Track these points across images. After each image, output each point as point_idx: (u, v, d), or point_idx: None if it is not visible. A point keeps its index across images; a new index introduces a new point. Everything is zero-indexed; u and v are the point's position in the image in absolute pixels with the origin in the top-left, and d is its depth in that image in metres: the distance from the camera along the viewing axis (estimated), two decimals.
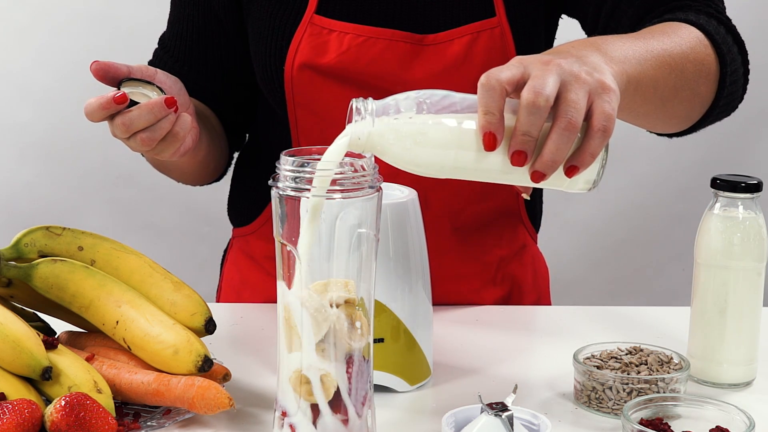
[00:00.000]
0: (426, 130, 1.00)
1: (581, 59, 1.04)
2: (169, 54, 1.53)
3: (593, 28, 1.45)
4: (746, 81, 1.39)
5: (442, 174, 1.03)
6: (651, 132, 1.37)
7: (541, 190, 1.62)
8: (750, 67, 1.41)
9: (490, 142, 0.98)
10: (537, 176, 1.00)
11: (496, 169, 1.01)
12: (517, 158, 0.99)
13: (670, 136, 1.40)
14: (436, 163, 1.01)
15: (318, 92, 1.41)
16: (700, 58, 1.28)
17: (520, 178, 1.02)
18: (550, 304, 1.65)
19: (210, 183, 1.60)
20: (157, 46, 1.55)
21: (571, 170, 1.01)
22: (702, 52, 1.28)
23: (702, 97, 1.32)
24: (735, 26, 1.36)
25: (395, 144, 1.00)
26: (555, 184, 1.04)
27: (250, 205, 1.57)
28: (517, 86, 1.00)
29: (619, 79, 1.08)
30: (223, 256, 1.66)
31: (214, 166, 1.55)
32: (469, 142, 1.00)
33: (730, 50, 1.33)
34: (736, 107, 1.40)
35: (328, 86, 1.41)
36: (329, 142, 1.31)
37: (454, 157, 1.01)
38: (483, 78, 0.99)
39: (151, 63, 1.53)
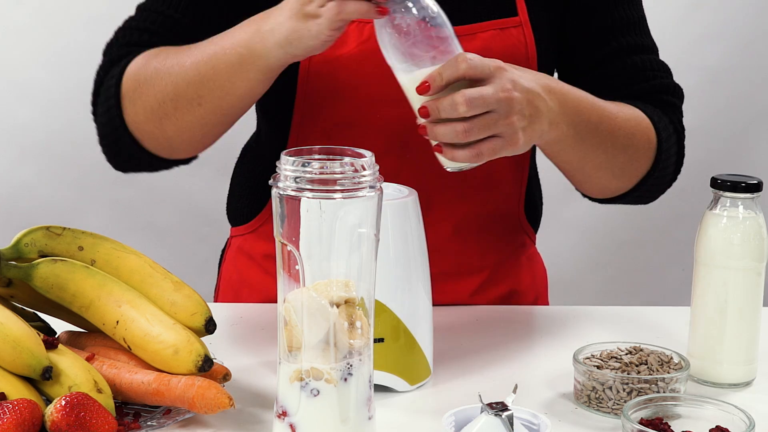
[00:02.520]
0: (404, 40, 1.17)
1: (536, 113, 1.21)
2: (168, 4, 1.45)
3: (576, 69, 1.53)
4: (671, 182, 1.53)
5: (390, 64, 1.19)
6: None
7: (540, 193, 1.62)
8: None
9: (422, 89, 1.16)
10: (422, 128, 1.19)
11: (409, 96, 1.20)
12: (423, 112, 1.17)
13: (591, 199, 1.52)
14: (392, 61, 1.19)
15: (335, 84, 1.40)
16: (635, 154, 1.42)
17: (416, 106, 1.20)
18: (547, 304, 1.65)
19: (201, 150, 1.49)
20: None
21: (436, 148, 1.20)
22: (640, 150, 1.42)
23: (621, 182, 1.46)
24: (684, 137, 1.51)
25: (380, 30, 1.18)
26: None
27: (249, 203, 1.57)
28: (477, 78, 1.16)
29: (546, 137, 1.27)
30: (221, 256, 1.66)
31: (222, 125, 1.46)
32: (416, 73, 1.18)
33: (666, 163, 1.47)
34: (654, 198, 1.53)
35: (346, 77, 1.39)
36: (330, 142, 1.33)
37: (403, 69, 1.19)
38: (468, 57, 1.16)
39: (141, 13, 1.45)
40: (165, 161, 1.45)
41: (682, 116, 1.52)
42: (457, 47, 1.18)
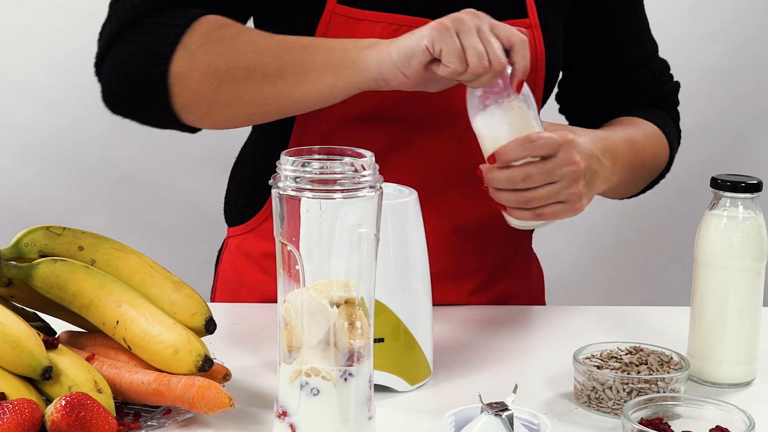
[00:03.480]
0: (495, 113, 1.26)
1: (594, 177, 1.32)
2: None
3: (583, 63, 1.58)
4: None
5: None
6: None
7: None
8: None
9: (490, 160, 1.26)
10: (485, 188, 1.28)
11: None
12: (488, 178, 1.27)
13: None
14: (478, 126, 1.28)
15: None
16: (656, 170, 1.57)
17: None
18: (544, 304, 1.66)
19: (228, 127, 1.44)
20: None
21: (499, 206, 1.29)
22: (660, 165, 1.57)
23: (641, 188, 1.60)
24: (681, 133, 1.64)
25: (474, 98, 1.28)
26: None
27: (248, 202, 1.57)
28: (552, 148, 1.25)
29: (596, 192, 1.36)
30: (218, 257, 1.65)
31: None
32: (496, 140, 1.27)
33: (672, 160, 1.60)
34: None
35: None
36: (334, 139, 1.31)
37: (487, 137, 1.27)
38: (536, 138, 1.24)
39: None
40: (173, 122, 1.38)
41: (679, 105, 1.64)
42: (536, 125, 1.27)
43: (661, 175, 1.60)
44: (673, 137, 1.58)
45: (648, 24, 1.59)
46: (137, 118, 1.41)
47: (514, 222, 1.32)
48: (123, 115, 1.41)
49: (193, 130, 1.40)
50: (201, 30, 1.32)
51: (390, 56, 1.22)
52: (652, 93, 1.58)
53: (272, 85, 1.29)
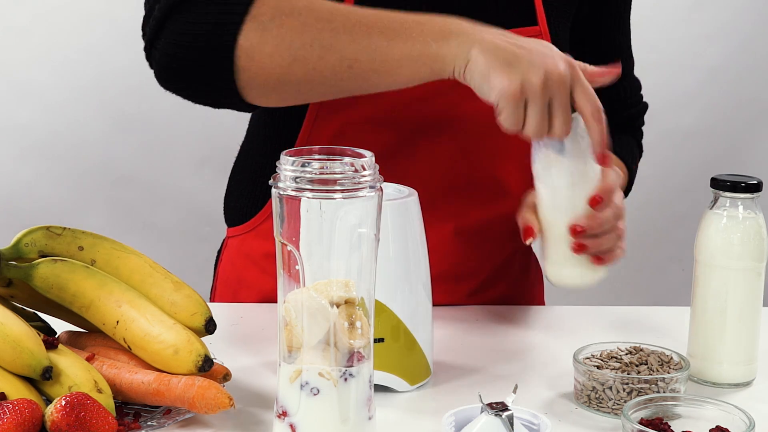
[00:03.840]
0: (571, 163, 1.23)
1: None
2: None
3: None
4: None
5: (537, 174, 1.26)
6: None
7: None
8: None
9: (595, 202, 1.24)
10: (579, 246, 1.24)
11: (561, 212, 1.26)
12: (594, 223, 1.25)
13: None
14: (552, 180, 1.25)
15: None
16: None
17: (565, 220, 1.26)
18: (544, 305, 1.66)
19: (296, 104, 1.38)
20: None
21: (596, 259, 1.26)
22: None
23: None
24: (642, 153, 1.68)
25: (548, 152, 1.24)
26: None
27: (247, 202, 1.57)
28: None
29: None
30: (217, 257, 1.65)
31: None
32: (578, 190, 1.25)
33: (630, 185, 1.66)
34: None
35: None
36: (342, 140, 1.29)
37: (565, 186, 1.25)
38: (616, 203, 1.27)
39: None
40: (233, 98, 1.30)
41: (644, 126, 1.68)
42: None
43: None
44: (632, 161, 1.61)
45: (630, 39, 1.60)
46: (193, 95, 1.34)
47: (588, 278, 1.28)
48: (177, 91, 1.33)
49: (250, 108, 1.33)
50: (270, 2, 1.25)
51: (467, 64, 1.18)
52: (623, 112, 1.59)
53: (348, 68, 1.22)
